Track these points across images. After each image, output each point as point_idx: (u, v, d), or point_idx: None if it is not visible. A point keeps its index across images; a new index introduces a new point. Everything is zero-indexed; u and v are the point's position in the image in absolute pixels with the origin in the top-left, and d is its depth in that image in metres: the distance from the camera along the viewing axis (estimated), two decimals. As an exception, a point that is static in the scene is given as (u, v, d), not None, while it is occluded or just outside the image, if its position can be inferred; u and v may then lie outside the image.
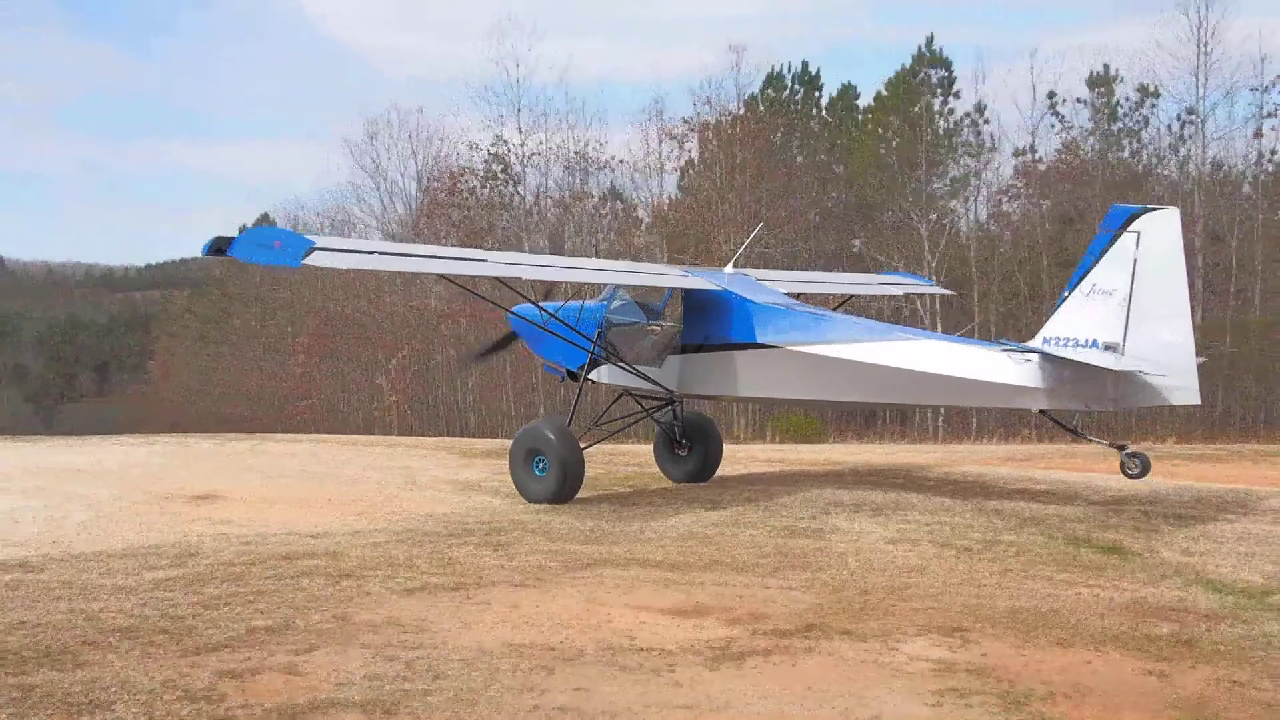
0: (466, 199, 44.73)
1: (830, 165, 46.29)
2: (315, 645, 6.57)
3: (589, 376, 13.20)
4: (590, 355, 12.93)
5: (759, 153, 40.13)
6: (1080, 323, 10.55)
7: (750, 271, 14.60)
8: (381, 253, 12.42)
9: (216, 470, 18.46)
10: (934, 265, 37.78)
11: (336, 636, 6.78)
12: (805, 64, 48.60)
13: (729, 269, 13.91)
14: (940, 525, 10.86)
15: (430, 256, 14.60)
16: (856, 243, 42.65)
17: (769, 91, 47.23)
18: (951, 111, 43.17)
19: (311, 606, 7.50)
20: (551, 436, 12.12)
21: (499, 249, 38.76)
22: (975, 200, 42.95)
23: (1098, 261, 10.56)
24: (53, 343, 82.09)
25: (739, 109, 43.00)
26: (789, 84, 48.20)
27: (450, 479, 17.48)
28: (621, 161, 44.54)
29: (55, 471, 18.49)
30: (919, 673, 6.14)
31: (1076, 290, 10.70)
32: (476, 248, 40.66)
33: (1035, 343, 10.92)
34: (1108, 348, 10.32)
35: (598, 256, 40.10)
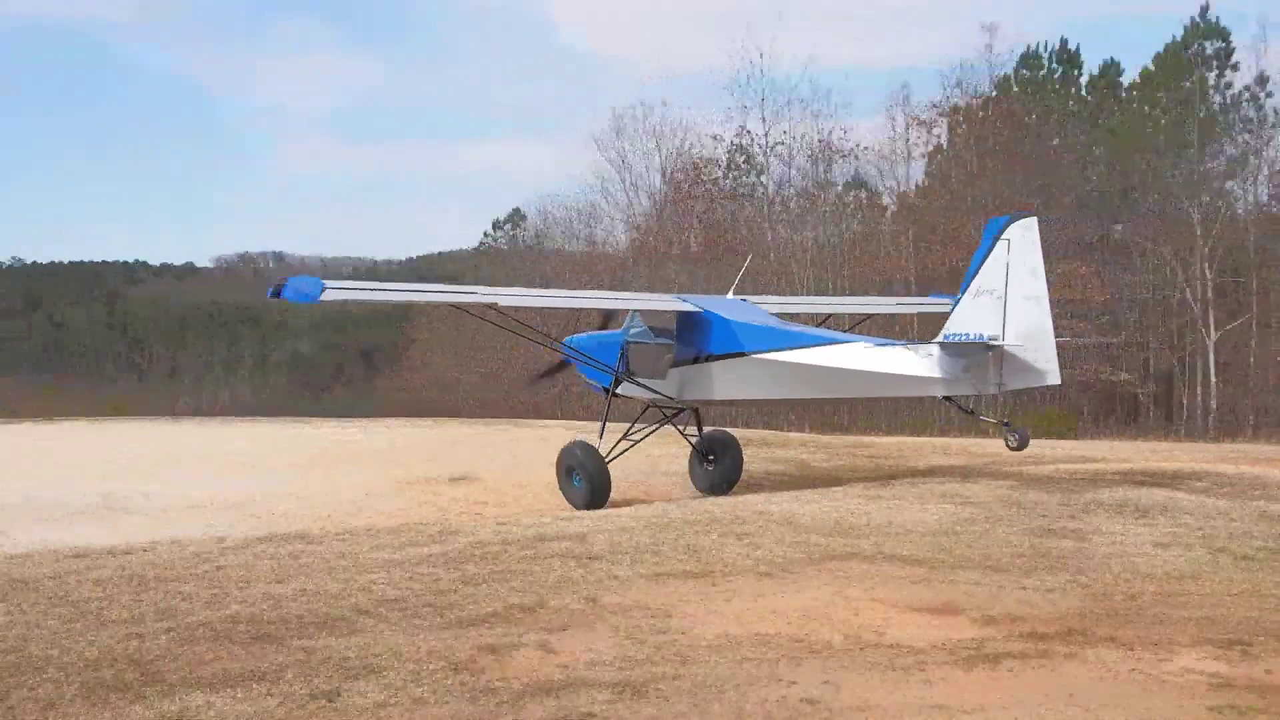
0: (709, 190, 44.97)
1: (1090, 147, 43.77)
2: (567, 625, 6.77)
3: (616, 392, 14.98)
4: (615, 376, 14.76)
5: (1012, 136, 38.44)
6: (971, 320, 11.82)
7: (751, 297, 16.10)
8: (374, 288, 16.23)
9: (472, 454, 19.35)
10: (1206, 252, 35.21)
11: (586, 617, 6.97)
12: (1064, 40, 46.20)
13: (730, 295, 15.50)
14: (1215, 530, 10.11)
15: (421, 290, 19.18)
16: (1118, 228, 40.19)
17: (1023, 72, 45.12)
18: (1228, 85, 40.01)
19: (563, 587, 7.74)
20: (580, 455, 13.81)
21: (742, 240, 38.90)
22: (1255, 181, 39.70)
23: (981, 266, 11.88)
24: (324, 331, 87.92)
25: (990, 91, 41.37)
26: (1046, 63, 45.88)
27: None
28: (866, 149, 43.65)
29: (328, 450, 19.87)
30: (1194, 687, 5.74)
31: (968, 293, 11.99)
32: (719, 241, 40.90)
33: (938, 339, 12.17)
34: (991, 339, 11.56)
35: (841, 245, 39.58)
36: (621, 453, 14.37)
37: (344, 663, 5.95)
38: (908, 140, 42.99)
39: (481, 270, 56.32)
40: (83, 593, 7.39)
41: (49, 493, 14.64)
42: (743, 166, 45.03)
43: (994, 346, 11.54)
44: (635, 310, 15.16)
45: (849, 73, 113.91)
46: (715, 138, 45.10)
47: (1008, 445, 13.09)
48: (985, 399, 14.43)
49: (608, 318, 16.76)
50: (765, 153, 44.13)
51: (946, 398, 13.05)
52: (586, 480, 13.53)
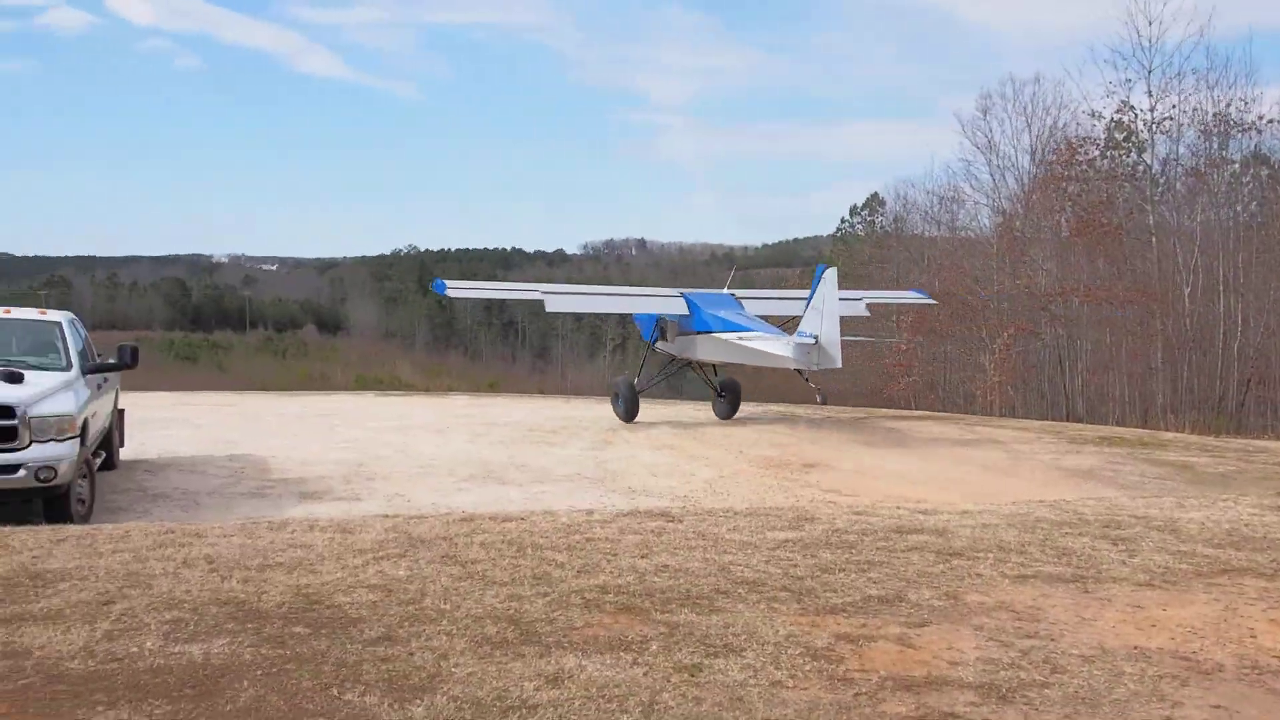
0: (1085, 171, 42.19)
1: None
2: (927, 620, 6.61)
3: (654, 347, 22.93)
4: (651, 341, 22.94)
5: None
6: (809, 325, 18.59)
7: (738, 292, 23.32)
8: (485, 288, 26.55)
9: (825, 440, 19.32)
10: None
11: (948, 614, 6.77)
12: None
13: (725, 289, 23.40)
14: None
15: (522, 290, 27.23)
16: None
17: None
18: None
19: (922, 581, 7.55)
20: (622, 387, 21.99)
21: (1120, 222, 36.63)
22: None
23: (814, 294, 18.74)
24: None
25: None
26: None
27: (1057, 464, 16.78)
28: (1270, 122, 39.27)
29: (685, 429, 20.48)
30: None
31: (810, 308, 18.75)
32: (1091, 225, 38.37)
33: (794, 337, 19.01)
34: (814, 336, 18.30)
35: (1236, 228, 36.19)
36: (651, 383, 22.69)
37: (705, 639, 6.10)
38: (1326, 108, 38.17)
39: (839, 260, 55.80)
40: (470, 554, 8.01)
41: (441, 459, 16.08)
42: (1123, 145, 41.84)
43: (817, 341, 18.28)
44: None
45: (1255, 35, 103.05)
46: (1093, 114, 42.17)
47: (817, 402, 21.43)
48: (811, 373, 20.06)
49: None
50: (1150, 129, 40.81)
51: (796, 370, 19.91)
52: (623, 403, 21.53)
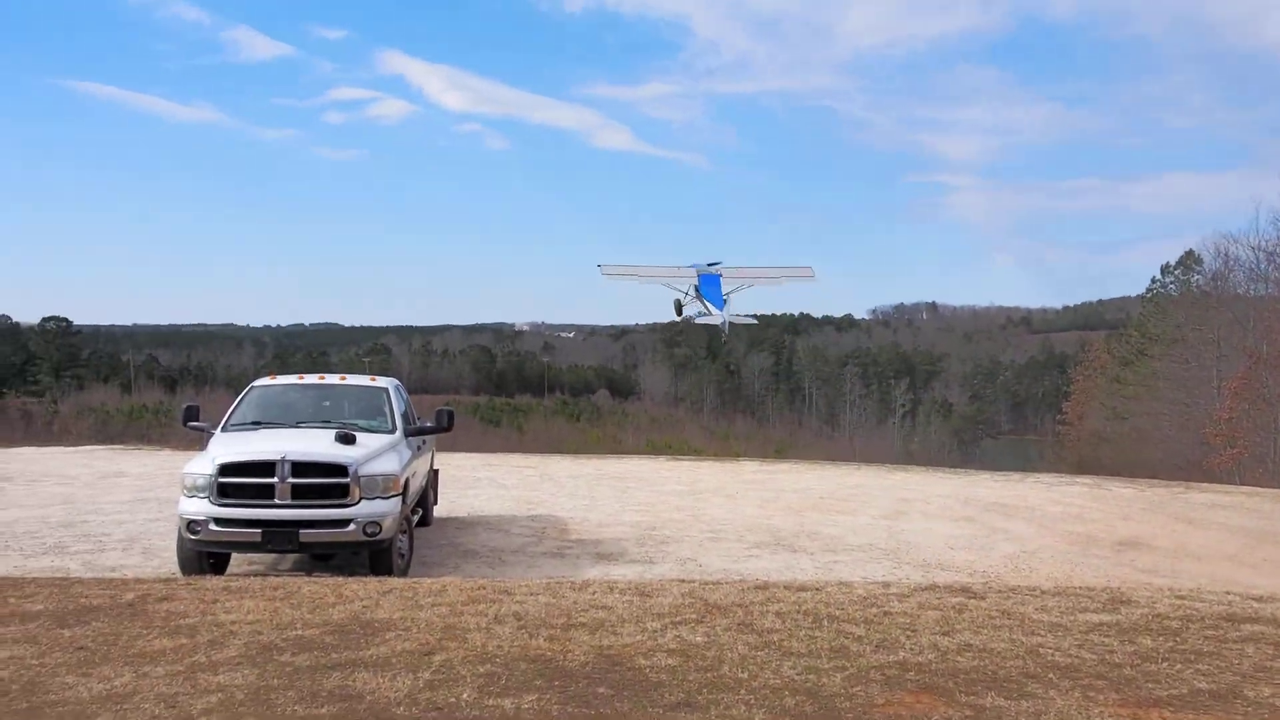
0: None
1: None
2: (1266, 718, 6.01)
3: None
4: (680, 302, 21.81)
5: None
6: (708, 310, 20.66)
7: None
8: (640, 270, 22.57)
9: (1138, 516, 18.07)
10: None
11: (1292, 715, 6.12)
12: None
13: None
14: None
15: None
16: None
17: None
18: None
19: (1260, 677, 6.87)
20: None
21: None
22: None
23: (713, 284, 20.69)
24: (975, 381, 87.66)
25: None
26: None
27: None
28: None
29: (981, 502, 19.68)
30: None
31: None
32: None
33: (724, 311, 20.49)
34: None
35: None
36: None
37: (1017, 726, 5.80)
38: None
39: (1148, 322, 52.33)
40: (765, 623, 7.98)
41: (731, 524, 16.18)
42: None
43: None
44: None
45: None
46: None
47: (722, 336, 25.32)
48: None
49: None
50: None
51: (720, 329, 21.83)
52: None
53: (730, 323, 21.06)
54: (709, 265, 20.72)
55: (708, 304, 20.52)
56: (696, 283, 20.65)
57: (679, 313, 21.41)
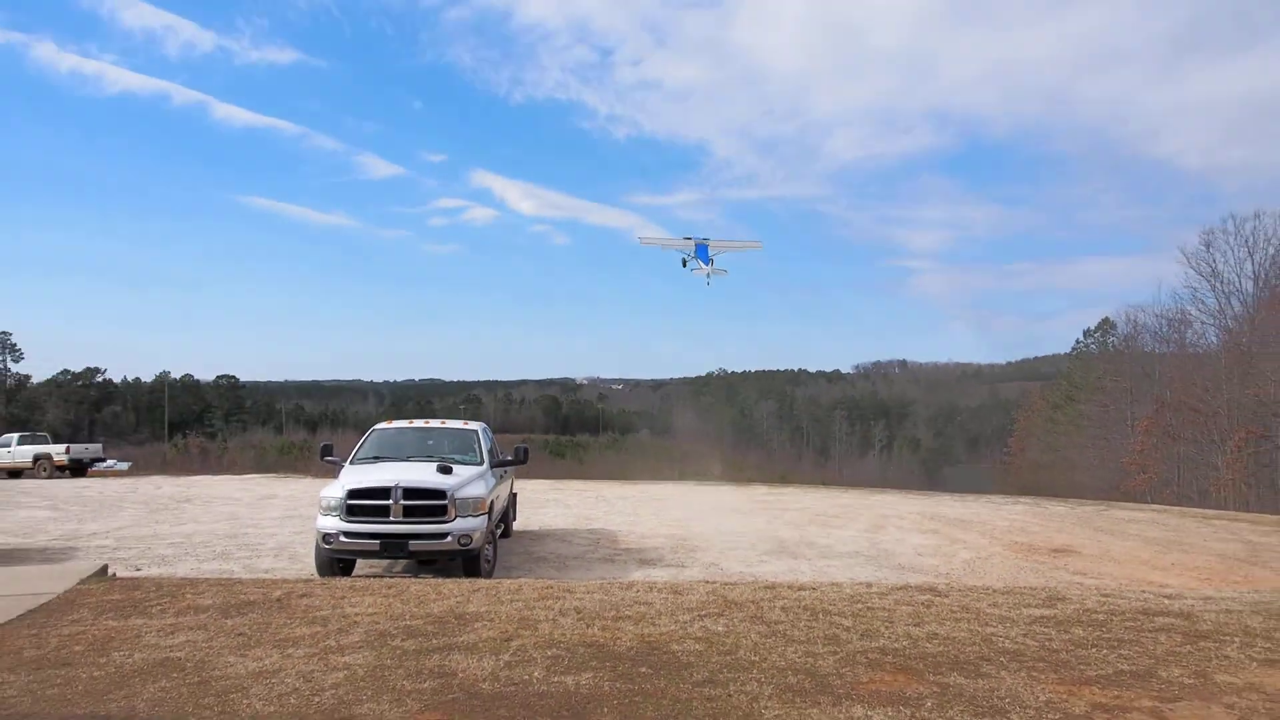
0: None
1: None
2: (1179, 696, 5.79)
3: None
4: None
5: None
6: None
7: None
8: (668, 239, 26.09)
9: (1069, 529, 17.66)
10: None
11: (1199, 692, 5.90)
12: None
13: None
14: None
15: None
16: None
17: None
18: None
19: (1171, 660, 6.65)
20: None
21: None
22: None
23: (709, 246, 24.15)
24: (938, 421, 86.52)
25: None
26: None
27: (1299, 558, 14.47)
28: None
29: (944, 518, 19.31)
30: None
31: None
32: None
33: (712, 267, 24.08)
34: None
35: None
36: None
37: (973, 700, 5.64)
38: None
39: (1075, 375, 51.58)
40: (773, 616, 7.85)
41: (746, 536, 15.97)
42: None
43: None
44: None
45: None
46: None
47: (706, 282, 24.75)
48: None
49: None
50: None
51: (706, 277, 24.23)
52: None
53: (711, 273, 24.54)
54: (702, 239, 24.69)
55: (700, 261, 24.26)
56: (694, 250, 24.44)
57: (684, 265, 24.54)
